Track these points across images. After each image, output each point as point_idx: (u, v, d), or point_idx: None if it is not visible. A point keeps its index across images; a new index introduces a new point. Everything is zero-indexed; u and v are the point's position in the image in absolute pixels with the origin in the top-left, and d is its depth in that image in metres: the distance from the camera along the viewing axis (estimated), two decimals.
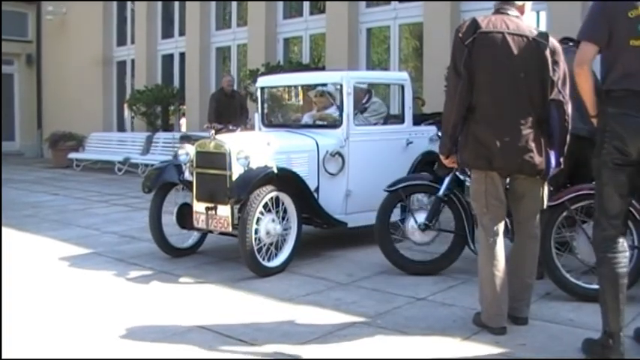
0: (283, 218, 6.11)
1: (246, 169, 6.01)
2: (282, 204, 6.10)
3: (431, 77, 11.30)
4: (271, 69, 13.37)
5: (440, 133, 4.54)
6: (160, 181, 6.63)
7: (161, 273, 6.03)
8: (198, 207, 6.27)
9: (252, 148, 6.18)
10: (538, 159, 4.18)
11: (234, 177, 6.03)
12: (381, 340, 4.22)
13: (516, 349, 4.02)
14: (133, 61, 18.46)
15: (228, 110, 12.04)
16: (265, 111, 7.85)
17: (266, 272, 5.85)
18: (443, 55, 10.69)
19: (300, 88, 8.53)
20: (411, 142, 7.36)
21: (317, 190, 6.62)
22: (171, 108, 17.10)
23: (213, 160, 6.24)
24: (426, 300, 5.09)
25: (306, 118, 7.92)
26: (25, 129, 22.43)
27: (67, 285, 5.65)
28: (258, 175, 5.93)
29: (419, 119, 7.93)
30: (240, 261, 6.15)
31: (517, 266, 4.37)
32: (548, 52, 4.16)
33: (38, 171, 16.32)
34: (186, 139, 12.15)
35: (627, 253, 3.80)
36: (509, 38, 4.13)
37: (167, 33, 17.81)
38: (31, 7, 22.63)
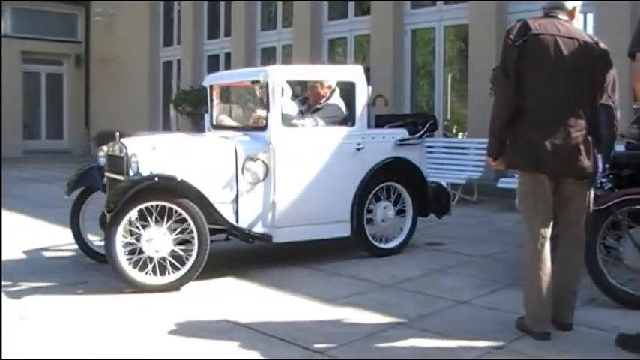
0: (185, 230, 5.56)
1: (135, 174, 5.59)
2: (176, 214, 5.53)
3: (476, 80, 11.23)
4: None
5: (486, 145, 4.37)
6: (80, 185, 6.43)
7: (202, 271, 6.05)
8: None
9: (143, 152, 5.69)
10: (586, 163, 4.15)
11: None
12: (421, 342, 4.22)
13: (560, 354, 3.98)
14: (179, 61, 18.65)
15: None
16: (215, 111, 7.22)
17: (152, 289, 5.39)
18: (488, 58, 10.68)
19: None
20: (361, 148, 6.51)
21: (236, 199, 5.99)
22: None
23: (117, 164, 5.82)
24: (469, 303, 5.07)
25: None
26: (73, 128, 22.83)
27: (113, 282, 5.72)
28: (135, 185, 5.46)
29: (383, 121, 7.24)
30: (281, 262, 6.20)
31: (562, 271, 4.32)
32: (598, 57, 4.15)
33: None
34: None
35: None
36: (560, 41, 4.11)
37: (213, 34, 17.95)
38: (80, 8, 23.02)
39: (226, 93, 7.76)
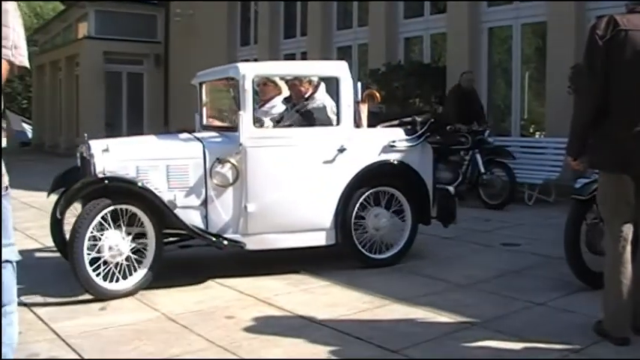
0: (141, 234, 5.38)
1: (92, 176, 5.44)
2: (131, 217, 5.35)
3: (554, 78, 11.05)
4: (392, 69, 13.42)
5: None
6: (59, 187, 6.23)
7: (273, 267, 6.12)
8: None
9: (98, 153, 5.50)
10: None
11: None
12: (496, 343, 4.20)
13: None
14: (255, 60, 18.85)
15: (470, 109, 10.87)
16: (204, 111, 6.93)
17: (110, 295, 5.17)
18: (567, 56, 10.51)
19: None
20: (344, 149, 6.03)
21: (205, 203, 5.71)
22: None
23: (85, 165, 5.71)
24: (545, 305, 5.01)
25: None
26: (152, 125, 23.31)
27: (187, 270, 5.89)
28: (83, 188, 5.33)
29: (377, 120, 6.77)
30: (354, 260, 6.22)
31: None
32: None
33: None
34: None
35: None
36: None
37: (289, 33, 18.12)
38: (159, 9, 23.57)
39: (215, 92, 7.35)
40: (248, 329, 4.51)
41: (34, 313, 4.83)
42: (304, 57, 17.08)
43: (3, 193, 2.64)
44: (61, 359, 4.00)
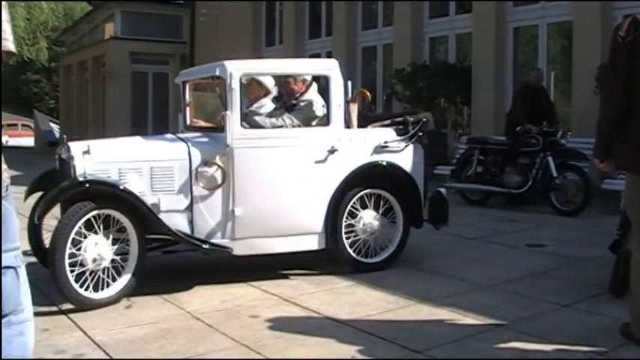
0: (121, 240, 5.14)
1: (72, 179, 5.20)
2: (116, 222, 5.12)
3: (580, 78, 10.98)
4: (417, 69, 13.40)
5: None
6: (37, 190, 5.96)
7: (299, 267, 6.14)
8: None
9: (78, 155, 5.28)
10: None
11: None
12: (521, 345, 4.19)
13: None
14: None
15: (538, 108, 10.30)
16: (188, 111, 6.65)
17: (91, 305, 4.95)
18: (593, 55, 10.43)
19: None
20: (335, 150, 5.87)
21: (190, 207, 5.50)
22: None
23: (64, 168, 5.42)
24: (571, 307, 4.98)
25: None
26: (178, 126, 23.46)
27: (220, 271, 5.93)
28: (61, 192, 5.13)
29: (368, 120, 6.55)
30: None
31: None
32: None
33: None
34: None
35: None
36: None
37: (314, 33, 18.15)
38: (185, 9, 23.74)
39: (199, 91, 7.06)
40: (272, 328, 4.54)
41: (62, 311, 4.90)
42: (329, 57, 17.08)
43: (3, 194, 2.42)
44: (88, 359, 4.05)
